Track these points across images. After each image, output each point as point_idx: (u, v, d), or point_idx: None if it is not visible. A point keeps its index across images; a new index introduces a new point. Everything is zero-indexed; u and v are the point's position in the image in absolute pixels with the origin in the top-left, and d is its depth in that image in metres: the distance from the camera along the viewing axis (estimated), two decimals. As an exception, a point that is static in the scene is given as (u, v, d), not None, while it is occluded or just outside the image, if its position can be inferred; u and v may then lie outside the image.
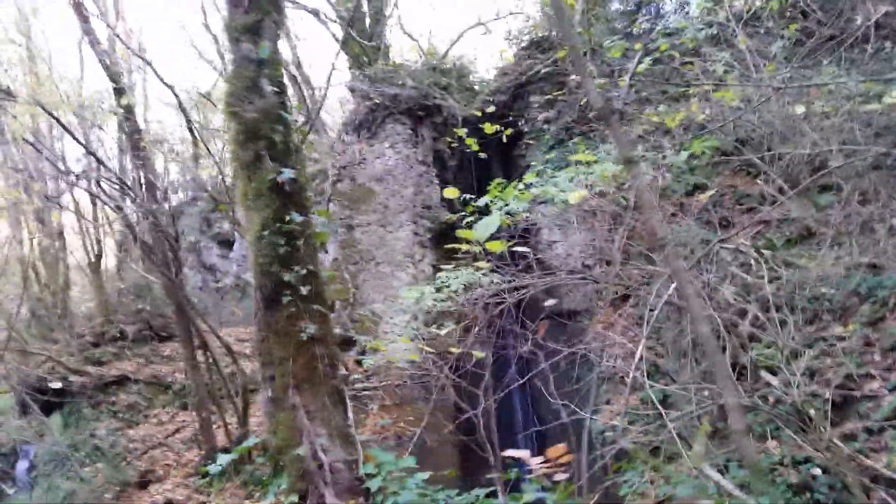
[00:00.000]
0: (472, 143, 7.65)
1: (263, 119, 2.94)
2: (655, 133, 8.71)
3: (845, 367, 6.21)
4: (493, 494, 3.04)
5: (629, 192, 8.71)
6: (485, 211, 8.80)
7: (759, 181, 9.91)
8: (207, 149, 13.62)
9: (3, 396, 15.08)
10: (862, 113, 8.02)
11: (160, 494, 11.20)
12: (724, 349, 7.91)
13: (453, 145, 13.27)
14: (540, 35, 15.16)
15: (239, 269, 16.91)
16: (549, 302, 8.75)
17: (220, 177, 11.11)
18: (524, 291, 9.55)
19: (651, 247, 10.27)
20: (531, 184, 8.28)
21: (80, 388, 12.22)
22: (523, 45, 15.04)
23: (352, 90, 14.88)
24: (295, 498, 2.38)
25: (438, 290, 8.71)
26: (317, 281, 2.80)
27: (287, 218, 2.87)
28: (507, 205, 8.59)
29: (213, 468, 3.55)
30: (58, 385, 11.89)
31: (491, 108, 12.87)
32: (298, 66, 17.52)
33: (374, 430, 11.89)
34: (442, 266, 8.88)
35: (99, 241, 15.56)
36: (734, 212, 10.07)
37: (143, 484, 11.48)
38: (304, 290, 2.72)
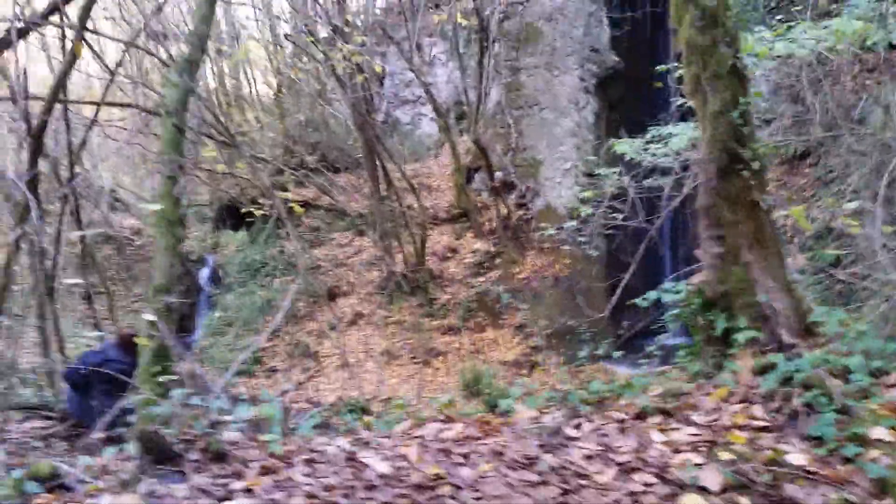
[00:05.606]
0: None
1: (720, 7, 3.26)
2: None
3: None
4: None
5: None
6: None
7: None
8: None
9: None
10: None
11: (348, 307, 12.67)
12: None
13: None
14: None
15: (389, 107, 17.34)
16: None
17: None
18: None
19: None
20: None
21: (268, 210, 13.46)
22: None
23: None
24: (752, 333, 3.03)
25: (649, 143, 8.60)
26: (762, 159, 3.26)
27: (741, 99, 3.30)
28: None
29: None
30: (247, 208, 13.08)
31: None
32: None
33: (532, 269, 12.83)
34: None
35: (280, 72, 16.36)
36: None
37: (332, 296, 12.93)
38: (755, 165, 3.21)
